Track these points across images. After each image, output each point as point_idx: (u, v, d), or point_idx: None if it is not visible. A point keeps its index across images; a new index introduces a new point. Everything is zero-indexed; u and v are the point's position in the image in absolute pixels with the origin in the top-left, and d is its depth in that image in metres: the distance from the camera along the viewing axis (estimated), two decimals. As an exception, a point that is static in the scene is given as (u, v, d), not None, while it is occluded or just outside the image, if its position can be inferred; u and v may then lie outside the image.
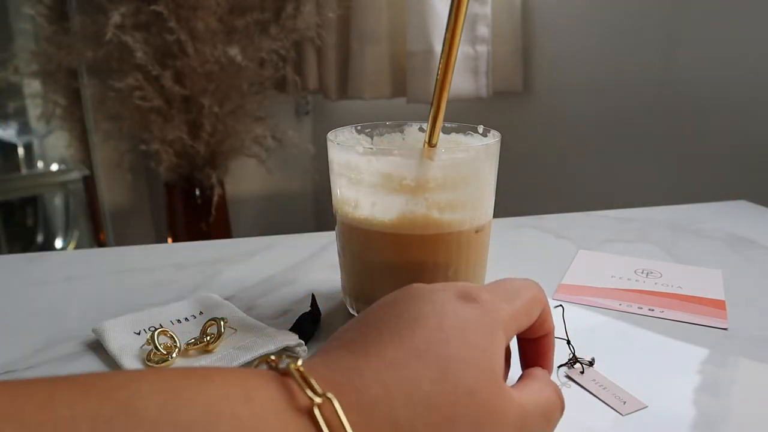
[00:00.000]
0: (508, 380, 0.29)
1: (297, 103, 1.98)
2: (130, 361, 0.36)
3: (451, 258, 0.39)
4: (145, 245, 0.60)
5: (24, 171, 1.94)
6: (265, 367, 0.22)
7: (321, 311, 0.43)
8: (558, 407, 0.27)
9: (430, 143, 0.38)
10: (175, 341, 0.36)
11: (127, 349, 0.37)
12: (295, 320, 0.41)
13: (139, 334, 0.39)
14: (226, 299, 0.44)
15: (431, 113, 0.37)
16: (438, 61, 0.36)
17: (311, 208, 2.15)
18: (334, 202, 0.42)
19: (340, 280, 0.45)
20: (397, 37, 1.28)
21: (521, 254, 0.57)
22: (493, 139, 0.41)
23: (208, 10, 1.33)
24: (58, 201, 1.97)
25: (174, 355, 0.36)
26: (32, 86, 1.79)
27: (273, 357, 0.22)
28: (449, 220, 0.38)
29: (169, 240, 1.65)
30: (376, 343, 0.23)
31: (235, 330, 0.39)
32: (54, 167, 1.98)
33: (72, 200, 1.93)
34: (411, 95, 1.23)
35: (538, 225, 0.64)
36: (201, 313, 0.42)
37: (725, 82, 0.84)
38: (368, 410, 0.21)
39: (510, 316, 0.27)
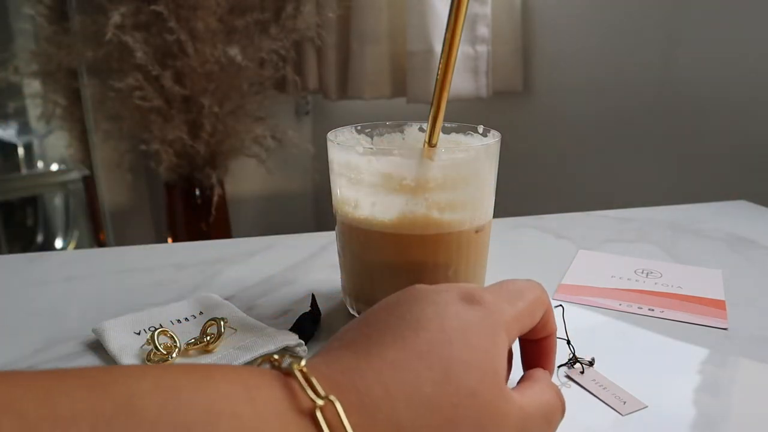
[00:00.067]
0: (509, 381, 0.29)
1: (297, 103, 1.98)
2: (130, 361, 0.36)
3: (451, 258, 0.39)
4: (145, 245, 0.60)
5: (24, 171, 1.94)
6: (267, 366, 0.22)
7: (321, 311, 0.43)
8: (559, 410, 0.27)
9: (430, 143, 0.38)
10: (175, 341, 0.36)
11: (127, 349, 0.37)
12: (295, 320, 0.41)
13: (139, 334, 0.39)
14: (226, 299, 0.44)
15: (431, 113, 0.37)
16: (438, 61, 0.36)
17: (311, 208, 2.15)
18: (334, 202, 0.42)
19: (340, 280, 0.45)
20: (397, 37, 1.28)
21: (521, 254, 0.57)
22: (493, 139, 0.41)
23: (208, 10, 1.33)
24: (58, 201, 1.97)
25: (174, 355, 0.36)
26: (32, 86, 1.79)
27: (276, 356, 0.22)
28: (449, 220, 0.38)
29: (169, 240, 1.65)
30: (378, 344, 0.23)
31: (235, 330, 0.39)
32: (54, 167, 1.98)
33: (72, 200, 1.93)
34: (411, 95, 1.23)
35: (538, 225, 0.64)
36: (201, 313, 0.42)
37: (725, 82, 0.84)
38: (370, 412, 0.21)
39: (513, 318, 0.27)
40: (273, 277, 0.51)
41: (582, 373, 0.36)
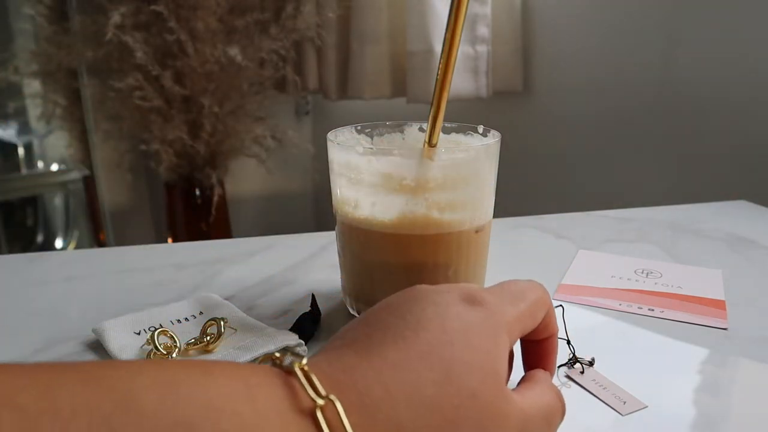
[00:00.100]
0: (510, 381, 0.29)
1: (297, 103, 1.98)
2: (130, 361, 0.36)
3: (451, 258, 0.39)
4: (145, 245, 0.60)
5: (24, 171, 1.94)
6: (269, 363, 0.22)
7: (321, 311, 0.43)
8: (559, 411, 0.27)
9: (430, 143, 0.38)
10: (175, 341, 0.36)
11: (127, 349, 0.37)
12: (295, 320, 0.41)
13: (139, 334, 0.39)
14: (226, 299, 0.44)
15: (431, 113, 0.37)
16: (438, 61, 0.36)
17: (311, 208, 2.15)
18: (334, 202, 0.42)
19: (340, 280, 0.45)
20: (397, 37, 1.28)
21: (521, 254, 0.57)
22: (493, 139, 0.41)
23: (208, 10, 1.33)
24: (58, 201, 1.97)
25: (174, 355, 0.36)
26: (32, 86, 1.79)
27: (277, 354, 0.22)
28: (449, 220, 0.38)
29: (169, 240, 1.65)
30: (379, 344, 0.23)
31: (235, 330, 0.39)
32: (54, 167, 1.98)
33: (72, 200, 1.93)
34: (411, 95, 1.23)
35: (538, 225, 0.64)
36: (201, 313, 0.42)
37: (725, 82, 0.84)
38: (370, 412, 0.21)
39: (514, 319, 0.27)
40: (273, 277, 0.51)
41: (582, 373, 0.36)
